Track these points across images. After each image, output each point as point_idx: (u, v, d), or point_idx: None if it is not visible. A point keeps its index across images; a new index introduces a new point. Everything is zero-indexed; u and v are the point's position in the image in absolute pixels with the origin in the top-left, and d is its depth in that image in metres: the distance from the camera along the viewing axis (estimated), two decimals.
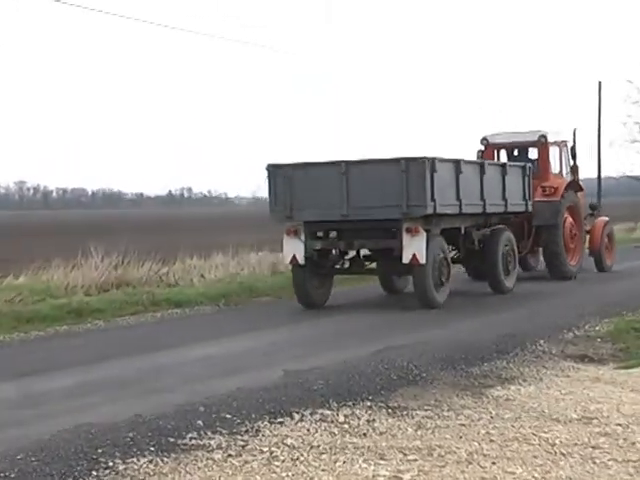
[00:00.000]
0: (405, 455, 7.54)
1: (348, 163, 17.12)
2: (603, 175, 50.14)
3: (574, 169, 24.25)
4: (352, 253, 18.59)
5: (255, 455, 7.60)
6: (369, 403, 9.38)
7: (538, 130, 23.92)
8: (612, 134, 56.86)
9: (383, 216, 16.81)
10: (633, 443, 7.79)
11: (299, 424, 8.56)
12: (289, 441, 7.98)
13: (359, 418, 8.81)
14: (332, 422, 8.65)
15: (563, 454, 7.51)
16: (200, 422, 8.52)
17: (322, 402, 9.33)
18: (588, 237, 24.60)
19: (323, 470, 7.18)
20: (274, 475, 7.08)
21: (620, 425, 8.37)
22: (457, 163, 17.69)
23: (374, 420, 8.74)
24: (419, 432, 8.30)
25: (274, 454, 7.62)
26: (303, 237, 17.49)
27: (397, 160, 16.65)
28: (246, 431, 8.31)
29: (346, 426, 8.52)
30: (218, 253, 25.77)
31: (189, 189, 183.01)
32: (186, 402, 9.28)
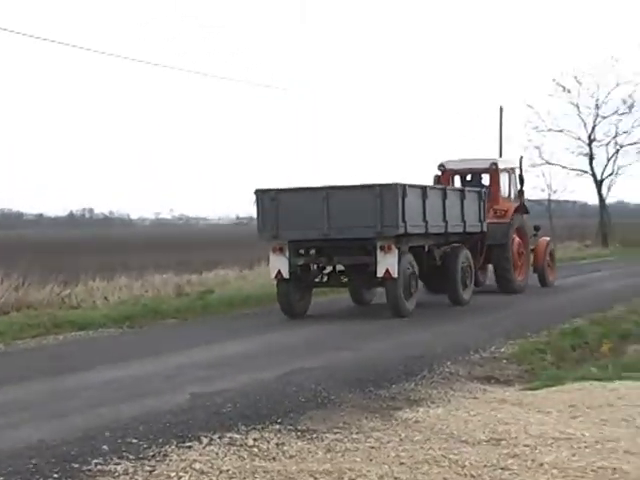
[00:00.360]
0: (316, 479, 7.45)
1: (329, 189, 19.23)
2: None
3: (521, 193, 26.56)
4: (329, 268, 20.53)
5: None
6: (278, 426, 9.28)
7: (490, 158, 26.61)
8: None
9: (359, 235, 18.79)
10: (541, 464, 7.82)
11: (207, 448, 8.42)
12: (197, 466, 7.83)
13: (268, 441, 8.70)
14: (241, 446, 8.52)
15: (473, 476, 7.51)
16: (105, 447, 8.33)
17: (230, 425, 9.20)
18: (532, 255, 26.63)
19: None
20: None
21: (528, 446, 8.41)
22: (424, 189, 19.90)
23: (283, 443, 8.64)
24: (329, 455, 8.23)
25: (182, 479, 7.47)
26: (288, 254, 19.32)
27: (372, 186, 18.75)
28: (153, 456, 8.13)
29: (255, 450, 8.41)
30: (121, 275, 25.45)
31: (90, 210, 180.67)
32: (91, 426, 9.08)
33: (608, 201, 61.59)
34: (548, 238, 28.64)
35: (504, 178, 26.06)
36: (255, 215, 19.86)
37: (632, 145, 58.98)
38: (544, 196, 56.91)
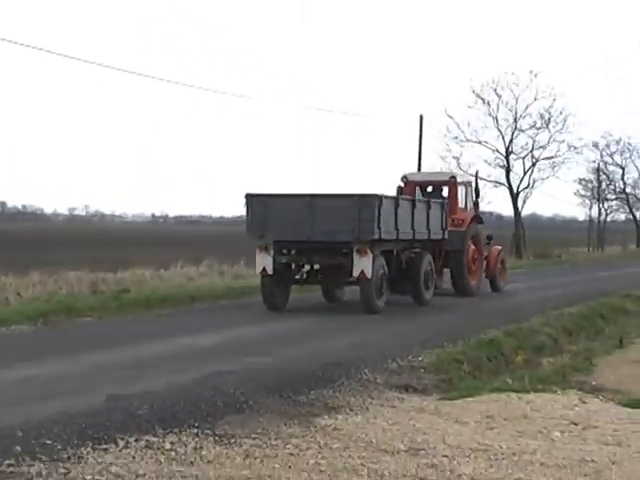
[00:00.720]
0: None
1: (313, 196, 21.35)
2: None
3: (476, 205, 29.03)
4: (307, 267, 22.51)
5: None
6: (195, 430, 9.18)
7: (449, 172, 31.37)
8: (434, 167, 57.97)
9: (338, 239, 20.90)
10: (459, 475, 7.86)
11: (124, 451, 8.29)
12: (114, 469, 7.70)
13: (186, 445, 8.60)
14: (158, 449, 8.41)
15: None
16: (18, 448, 8.13)
17: (147, 428, 9.07)
18: (485, 262, 28.70)
19: None
20: None
21: (446, 456, 8.45)
22: (396, 200, 22.37)
23: (201, 448, 8.56)
24: (247, 461, 8.16)
25: None
26: (272, 253, 21.38)
27: (352, 195, 21.09)
28: (68, 458, 7.98)
29: (173, 454, 8.31)
30: (35, 271, 25.03)
31: (2, 203, 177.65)
32: (3, 426, 8.83)
33: (522, 213, 62.59)
34: (500, 247, 30.95)
35: (461, 190, 28.19)
36: (245, 215, 21.77)
37: (548, 159, 60.08)
38: None
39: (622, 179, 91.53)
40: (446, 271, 27.29)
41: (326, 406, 10.72)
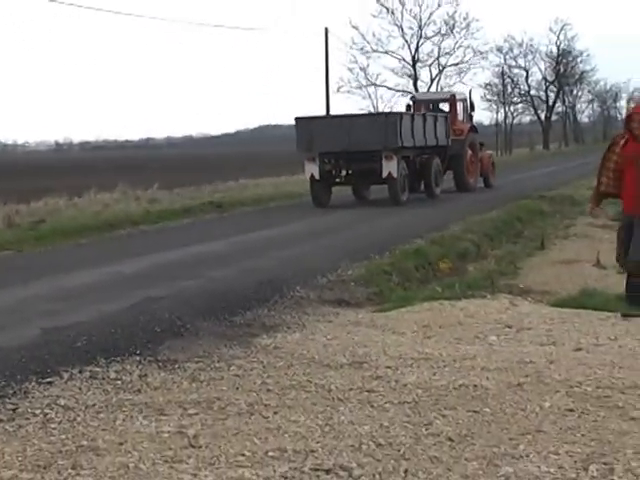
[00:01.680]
0: (185, 409, 7.39)
1: (349, 116, 29.14)
2: None
3: (471, 117, 35.32)
4: (344, 172, 28.55)
5: (28, 418, 7.23)
6: (138, 358, 9.14)
7: (449, 91, 38.96)
8: (341, 79, 57.80)
9: (370, 148, 26.80)
10: (405, 385, 7.96)
11: (69, 383, 8.23)
12: (62, 402, 7.65)
13: (131, 374, 8.57)
14: (104, 379, 8.37)
15: (341, 399, 7.59)
16: None
17: (89, 359, 9.00)
18: (479, 164, 34.64)
19: (103, 430, 6.91)
20: (53, 438, 6.74)
21: (390, 368, 8.55)
22: (412, 115, 29.18)
23: (146, 375, 8.54)
24: (194, 385, 8.17)
25: (49, 416, 7.28)
26: (318, 162, 27.51)
27: (380, 114, 30.82)
28: (14, 393, 7.88)
29: (119, 382, 8.27)
30: None
31: None
32: None
33: None
34: (491, 152, 38.71)
35: (460, 106, 34.44)
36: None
37: (454, 66, 60.33)
38: None
39: (526, 81, 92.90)
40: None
41: (263, 325, 10.75)
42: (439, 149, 30.70)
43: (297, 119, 28.31)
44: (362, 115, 30.82)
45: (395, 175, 26.95)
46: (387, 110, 28.33)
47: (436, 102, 34.95)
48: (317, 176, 27.55)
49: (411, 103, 34.31)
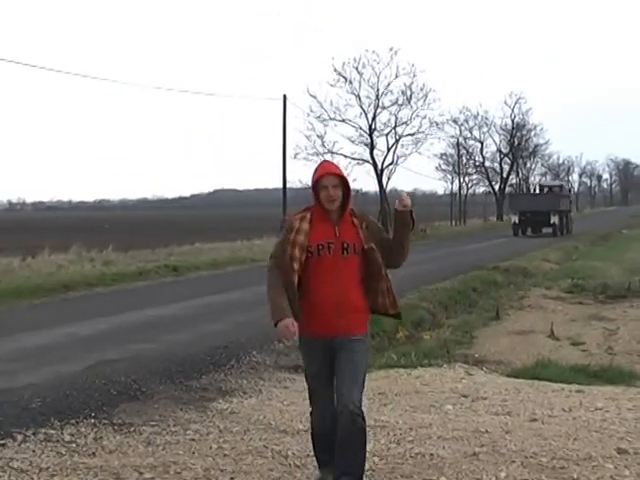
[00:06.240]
0: (141, 474, 7.33)
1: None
2: (289, 186, 51.24)
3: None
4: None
5: None
6: (93, 420, 9.08)
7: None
8: (298, 146, 58.12)
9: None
10: None
11: (23, 445, 8.15)
12: (16, 464, 7.56)
13: (85, 436, 8.51)
14: (58, 442, 8.30)
15: (298, 466, 7.57)
16: None
17: (43, 421, 8.93)
18: None
19: None
20: None
21: None
22: None
23: (101, 438, 8.48)
24: (150, 449, 8.12)
25: (2, 479, 7.19)
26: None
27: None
28: None
29: (73, 445, 8.20)
30: None
31: None
32: None
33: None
34: None
35: None
36: None
37: (411, 135, 60.89)
38: None
39: (481, 153, 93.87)
40: None
41: (219, 390, 10.75)
42: None
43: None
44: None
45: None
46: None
47: None
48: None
49: None
